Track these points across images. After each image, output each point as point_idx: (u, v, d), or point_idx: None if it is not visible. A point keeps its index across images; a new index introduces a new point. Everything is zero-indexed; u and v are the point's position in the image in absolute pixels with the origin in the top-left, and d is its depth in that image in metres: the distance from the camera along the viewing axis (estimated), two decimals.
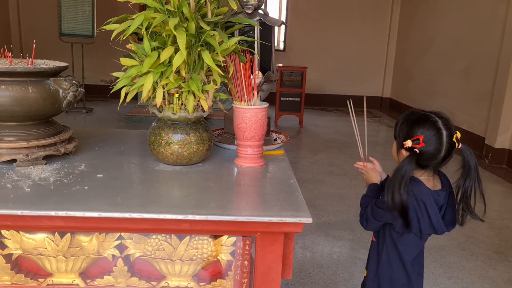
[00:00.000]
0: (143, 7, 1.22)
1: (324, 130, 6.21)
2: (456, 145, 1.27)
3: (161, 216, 1.00)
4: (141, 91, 1.22)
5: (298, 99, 6.14)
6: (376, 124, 6.98)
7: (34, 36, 7.66)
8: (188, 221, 1.01)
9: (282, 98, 6.12)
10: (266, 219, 1.02)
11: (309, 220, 1.02)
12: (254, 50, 1.49)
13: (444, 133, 1.27)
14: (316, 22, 7.92)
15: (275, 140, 1.70)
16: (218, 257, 1.12)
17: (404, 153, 1.32)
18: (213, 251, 1.11)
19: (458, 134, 1.29)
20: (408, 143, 1.28)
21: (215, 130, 1.69)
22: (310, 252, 2.72)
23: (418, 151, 1.27)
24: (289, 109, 6.20)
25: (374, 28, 7.99)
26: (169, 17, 1.15)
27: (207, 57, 1.16)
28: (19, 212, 0.98)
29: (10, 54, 1.26)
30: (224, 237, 1.10)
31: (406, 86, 7.51)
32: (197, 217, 1.00)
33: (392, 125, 6.86)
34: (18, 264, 1.10)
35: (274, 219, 1.01)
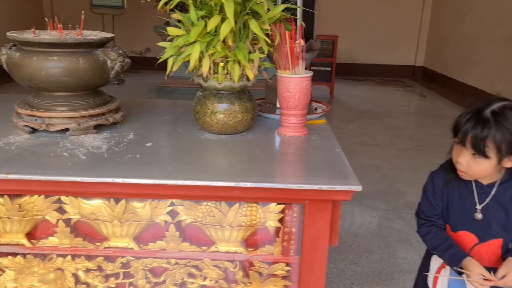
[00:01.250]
0: None
1: (356, 100, 6.12)
2: None
3: (213, 183, 1.02)
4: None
5: (329, 69, 6.05)
6: (408, 94, 6.82)
7: (66, 8, 7.73)
8: (239, 188, 1.03)
9: (312, 68, 6.04)
10: (316, 186, 1.03)
11: (358, 188, 1.03)
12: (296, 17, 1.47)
13: None
14: None
15: (316, 109, 1.69)
16: (266, 224, 1.14)
17: None
18: (262, 218, 1.14)
19: None
20: None
21: (256, 100, 1.69)
22: (345, 221, 2.74)
23: None
24: (320, 79, 6.11)
25: None
26: None
27: (254, 25, 1.16)
28: (78, 179, 1.02)
29: (60, 25, 1.28)
30: (272, 205, 1.12)
31: (440, 54, 7.27)
32: (248, 185, 1.03)
33: (425, 94, 6.71)
34: (76, 228, 1.16)
35: (324, 187, 1.03)
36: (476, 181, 1.28)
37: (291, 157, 1.23)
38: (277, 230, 1.15)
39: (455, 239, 1.31)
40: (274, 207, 1.12)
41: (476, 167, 1.20)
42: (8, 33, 1.24)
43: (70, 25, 1.33)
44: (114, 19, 6.75)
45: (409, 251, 2.43)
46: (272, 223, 1.14)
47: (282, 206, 1.12)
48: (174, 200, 1.12)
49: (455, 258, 1.26)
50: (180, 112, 1.62)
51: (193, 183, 1.02)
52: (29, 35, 1.25)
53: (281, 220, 1.14)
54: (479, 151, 1.16)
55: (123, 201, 1.11)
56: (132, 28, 7.45)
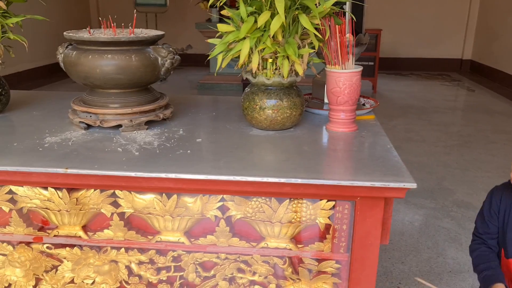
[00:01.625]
0: None
1: (399, 95, 5.98)
2: None
3: (264, 179, 1.02)
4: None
5: (372, 63, 5.93)
6: (455, 88, 6.59)
7: (111, 7, 7.97)
8: (290, 185, 1.03)
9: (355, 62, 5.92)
10: (368, 183, 1.01)
11: (413, 185, 1.00)
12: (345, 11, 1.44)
13: None
14: None
15: (364, 105, 1.66)
16: (317, 221, 1.13)
17: None
18: (312, 214, 1.13)
19: None
20: None
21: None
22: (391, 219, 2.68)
23: None
24: (362, 74, 5.95)
25: None
26: None
27: (305, 20, 1.15)
28: (133, 174, 1.04)
29: (113, 24, 1.31)
30: (323, 201, 1.11)
31: (490, 46, 6.97)
32: (299, 181, 1.02)
33: (473, 89, 6.45)
34: (129, 222, 1.19)
35: (377, 184, 1.00)
36: None
37: (341, 153, 1.21)
38: (327, 227, 1.14)
39: (506, 266, 1.20)
40: (325, 204, 1.11)
41: None
42: (65, 33, 1.29)
43: (122, 24, 1.36)
44: (157, 17, 6.89)
45: (458, 251, 2.35)
46: (322, 220, 1.13)
47: (333, 203, 1.11)
48: (224, 196, 1.13)
49: (486, 280, 1.17)
50: (227, 108, 1.63)
51: (244, 179, 1.03)
52: (85, 34, 1.29)
53: (331, 217, 1.13)
54: None
55: (174, 196, 1.13)
56: (173, 26, 7.58)
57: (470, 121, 4.83)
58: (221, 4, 1.21)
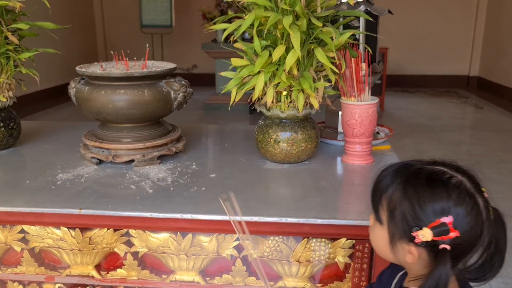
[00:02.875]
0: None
1: (407, 113, 5.94)
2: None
3: (283, 219, 1.00)
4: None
5: (379, 82, 5.92)
6: (462, 105, 6.55)
7: (117, 28, 8.05)
8: (309, 225, 1.00)
9: None
10: None
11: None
12: (358, 41, 1.42)
13: (480, 201, 0.76)
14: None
15: (378, 133, 1.63)
16: (336, 260, 1.10)
17: (415, 251, 0.77)
18: (331, 253, 1.09)
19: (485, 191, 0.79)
20: (426, 234, 0.73)
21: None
22: None
23: (449, 247, 0.72)
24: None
25: (460, 1, 7.44)
26: (282, 15, 1.12)
27: (320, 55, 1.13)
28: (148, 215, 1.02)
29: (126, 59, 1.31)
30: (342, 240, 1.08)
31: (498, 62, 6.94)
32: (319, 221, 0.99)
33: (481, 106, 6.42)
34: (143, 261, 1.16)
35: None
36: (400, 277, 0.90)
37: (359, 188, 1.18)
38: (347, 265, 1.11)
39: None
40: (344, 242, 1.08)
41: (371, 234, 0.87)
42: (77, 68, 1.28)
43: (135, 58, 1.35)
44: (162, 38, 6.94)
45: None
46: (341, 259, 1.10)
47: (352, 241, 1.08)
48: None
49: None
50: (239, 138, 1.61)
51: (262, 219, 1.00)
52: (97, 69, 1.28)
53: (351, 256, 1.09)
54: (373, 207, 0.85)
55: (190, 235, 1.10)
56: (179, 46, 7.62)
57: (479, 139, 4.77)
58: (236, 38, 1.20)
